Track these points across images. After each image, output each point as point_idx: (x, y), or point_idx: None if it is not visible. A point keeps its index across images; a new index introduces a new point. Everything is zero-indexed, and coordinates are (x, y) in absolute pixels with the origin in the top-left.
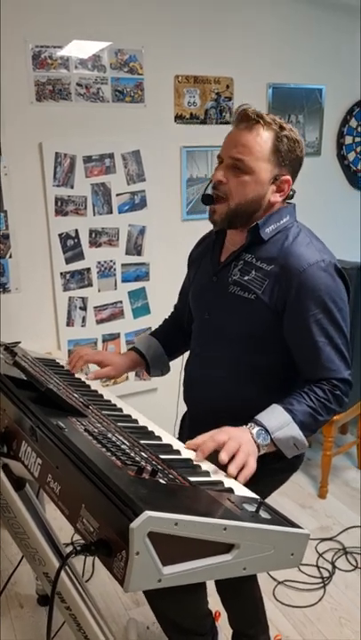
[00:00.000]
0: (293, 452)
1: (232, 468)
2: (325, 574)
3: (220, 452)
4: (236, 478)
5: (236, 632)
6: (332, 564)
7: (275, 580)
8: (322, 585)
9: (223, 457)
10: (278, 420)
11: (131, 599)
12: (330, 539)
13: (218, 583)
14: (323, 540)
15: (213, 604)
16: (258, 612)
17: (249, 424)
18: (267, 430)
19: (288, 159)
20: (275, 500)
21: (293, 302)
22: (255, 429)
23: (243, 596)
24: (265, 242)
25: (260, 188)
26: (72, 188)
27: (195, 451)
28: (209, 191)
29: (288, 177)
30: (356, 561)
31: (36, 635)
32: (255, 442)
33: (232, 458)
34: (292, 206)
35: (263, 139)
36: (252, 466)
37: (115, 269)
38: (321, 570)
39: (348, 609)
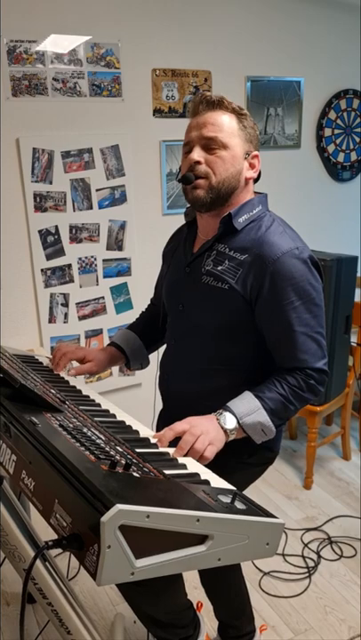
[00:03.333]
0: (262, 438)
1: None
2: (311, 564)
3: (176, 447)
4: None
5: (221, 623)
6: (318, 553)
7: (261, 570)
8: (307, 575)
9: (177, 453)
10: (247, 407)
11: (118, 594)
12: (315, 529)
13: (202, 575)
14: (308, 530)
15: (198, 595)
16: (243, 602)
17: (218, 410)
18: (235, 415)
19: (251, 136)
20: (261, 491)
21: (268, 291)
22: (223, 415)
23: (227, 588)
24: (238, 232)
25: (237, 163)
26: (51, 183)
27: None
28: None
29: (257, 152)
30: (340, 550)
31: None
32: (222, 428)
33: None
34: (264, 196)
35: (228, 117)
36: (206, 457)
37: (96, 265)
38: (306, 560)
39: (333, 597)
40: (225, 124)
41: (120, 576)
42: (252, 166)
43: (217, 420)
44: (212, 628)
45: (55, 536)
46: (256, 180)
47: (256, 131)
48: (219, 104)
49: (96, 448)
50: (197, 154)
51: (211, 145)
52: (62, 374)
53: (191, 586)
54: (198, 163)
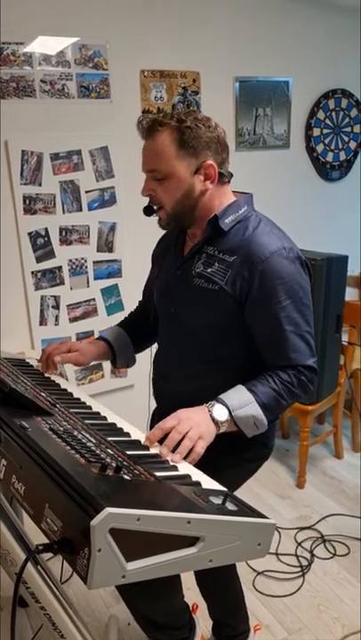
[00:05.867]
0: (254, 432)
1: (175, 458)
2: (304, 563)
3: (162, 444)
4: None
5: (216, 622)
6: (311, 552)
7: (254, 570)
8: (301, 574)
9: (162, 451)
10: (240, 399)
11: (111, 596)
12: (308, 527)
13: (197, 575)
14: (301, 529)
15: (193, 595)
16: (238, 602)
17: (211, 402)
18: (227, 407)
19: (200, 145)
20: (254, 491)
21: (257, 291)
22: (215, 406)
23: (222, 587)
24: (225, 233)
25: (184, 185)
26: (40, 185)
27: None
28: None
29: (210, 161)
30: (334, 549)
31: (17, 637)
32: (214, 419)
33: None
34: (249, 196)
35: (166, 141)
36: (197, 451)
37: (86, 267)
38: (300, 559)
39: (326, 596)
40: (162, 151)
41: (111, 579)
42: (207, 177)
43: (208, 410)
44: (207, 629)
45: (46, 540)
46: (228, 181)
47: (212, 132)
48: (152, 128)
49: (87, 451)
50: (146, 187)
51: (155, 176)
52: (52, 377)
53: (185, 586)
54: (150, 195)
